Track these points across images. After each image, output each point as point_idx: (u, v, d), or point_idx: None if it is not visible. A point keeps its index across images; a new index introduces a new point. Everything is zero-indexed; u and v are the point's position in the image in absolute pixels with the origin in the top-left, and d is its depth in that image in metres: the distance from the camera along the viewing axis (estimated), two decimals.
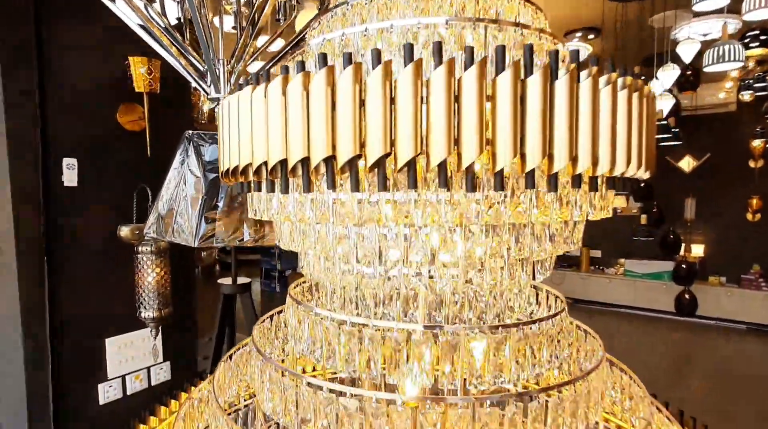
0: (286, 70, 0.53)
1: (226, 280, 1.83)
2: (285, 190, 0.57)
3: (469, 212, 0.61)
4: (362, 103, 0.49)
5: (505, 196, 0.59)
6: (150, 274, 2.06)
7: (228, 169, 0.65)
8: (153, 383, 2.26)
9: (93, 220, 2.04)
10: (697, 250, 6.52)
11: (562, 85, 0.51)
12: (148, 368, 2.25)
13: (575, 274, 7.65)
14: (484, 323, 0.70)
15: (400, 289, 0.71)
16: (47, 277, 1.90)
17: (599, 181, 0.59)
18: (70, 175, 1.92)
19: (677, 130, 4.23)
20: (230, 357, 0.97)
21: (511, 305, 0.76)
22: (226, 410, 0.84)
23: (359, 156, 0.50)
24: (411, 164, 0.50)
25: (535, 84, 0.50)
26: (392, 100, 0.49)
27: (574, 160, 0.53)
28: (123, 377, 2.16)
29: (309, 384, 0.66)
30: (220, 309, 1.73)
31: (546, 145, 0.51)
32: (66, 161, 1.92)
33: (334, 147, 0.50)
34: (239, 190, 0.71)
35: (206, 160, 1.53)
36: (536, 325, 0.71)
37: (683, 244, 5.96)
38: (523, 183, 0.53)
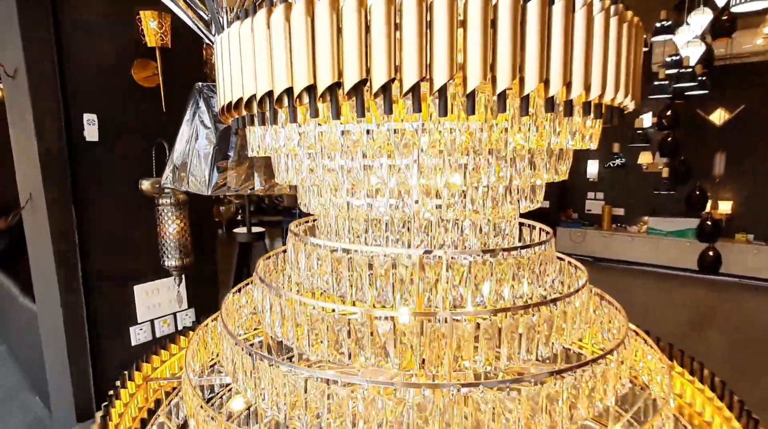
0: None
1: (242, 230, 1.91)
2: (293, 118, 0.58)
3: (448, 140, 0.64)
4: (367, 29, 0.50)
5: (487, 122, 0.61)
6: (171, 226, 2.16)
7: (230, 103, 0.68)
8: (179, 327, 2.42)
9: (115, 174, 2.13)
10: (725, 207, 6.33)
11: (534, 6, 0.51)
12: (175, 314, 2.40)
13: (597, 233, 7.57)
14: (470, 248, 0.73)
15: (392, 217, 0.74)
16: (76, 227, 2.02)
17: (576, 106, 0.60)
18: (91, 131, 1.99)
19: (704, 78, 4.01)
20: (239, 290, 1.05)
21: (499, 234, 0.79)
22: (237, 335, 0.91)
23: (365, 81, 0.51)
24: (387, 89, 0.52)
25: (506, 6, 0.51)
26: (367, 28, 0.51)
27: (545, 82, 0.54)
28: (152, 321, 2.32)
29: (302, 303, 0.72)
30: (236, 256, 1.82)
31: (516, 68, 0.52)
32: (86, 117, 1.99)
33: (340, 73, 0.51)
34: (238, 126, 0.74)
35: (216, 111, 1.57)
36: (523, 251, 0.74)
37: (710, 201, 5.80)
38: (498, 106, 0.55)
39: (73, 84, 1.96)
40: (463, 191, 0.70)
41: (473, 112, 0.54)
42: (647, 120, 6.58)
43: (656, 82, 4.47)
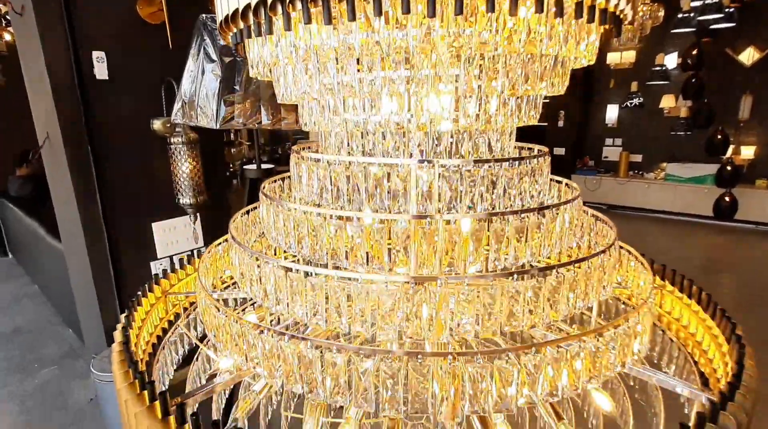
0: None
1: (251, 166, 1.95)
2: (288, 26, 0.60)
3: (440, 49, 0.65)
4: None
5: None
6: (184, 164, 2.21)
7: (228, 16, 0.69)
8: None
9: (127, 113, 2.16)
10: (747, 153, 6.14)
11: None
12: (192, 251, 2.50)
13: (612, 180, 7.46)
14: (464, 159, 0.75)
15: (387, 130, 0.77)
16: (93, 163, 2.08)
17: (567, 7, 0.60)
18: (100, 68, 2.01)
19: (732, 9, 3.74)
20: (247, 212, 1.10)
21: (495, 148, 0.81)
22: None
23: None
24: None
25: None
26: None
27: None
28: (171, 257, 2.43)
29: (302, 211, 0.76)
30: (247, 192, 1.87)
31: None
32: (95, 54, 2.00)
33: None
34: (237, 41, 0.76)
35: (221, 43, 1.56)
36: (515, 163, 0.76)
37: (732, 146, 5.63)
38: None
39: (80, 21, 1.96)
40: (456, 103, 0.71)
41: (461, 12, 0.55)
42: (671, 60, 6.28)
43: (680, 15, 4.20)
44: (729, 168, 5.16)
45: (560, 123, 7.78)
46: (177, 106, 1.73)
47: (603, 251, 0.77)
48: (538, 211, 0.74)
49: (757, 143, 6.21)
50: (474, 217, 0.70)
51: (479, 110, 0.73)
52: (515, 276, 0.65)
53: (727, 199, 5.05)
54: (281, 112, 1.65)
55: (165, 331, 1.08)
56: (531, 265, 0.73)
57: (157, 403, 0.63)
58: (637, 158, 7.48)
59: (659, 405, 0.95)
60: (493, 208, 0.76)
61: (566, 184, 0.97)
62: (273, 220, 0.86)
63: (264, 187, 0.97)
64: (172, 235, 2.41)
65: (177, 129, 2.23)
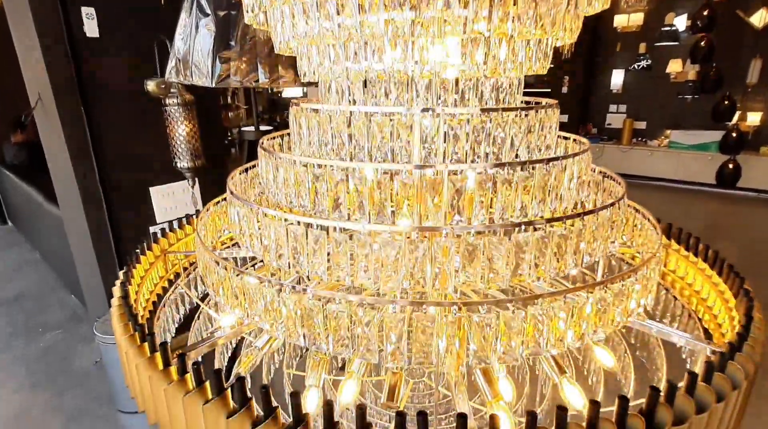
0: None
1: (249, 128, 1.91)
2: None
3: None
4: None
5: None
6: (180, 127, 2.17)
7: None
8: None
9: (120, 73, 2.10)
10: (753, 119, 6.04)
11: None
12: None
13: (615, 148, 7.38)
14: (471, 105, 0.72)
15: (390, 77, 0.73)
16: (87, 125, 2.04)
17: None
18: (90, 26, 1.93)
19: None
20: (246, 170, 1.07)
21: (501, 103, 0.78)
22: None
23: None
24: None
25: None
26: None
27: None
28: (170, 222, 2.41)
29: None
30: (246, 155, 1.84)
31: None
32: (84, 11, 1.92)
33: None
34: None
35: None
36: (523, 113, 0.73)
37: (738, 112, 5.54)
38: None
39: None
40: (463, 48, 0.67)
41: None
42: (681, 22, 6.09)
43: None
44: (734, 134, 5.08)
45: (564, 89, 7.63)
46: (171, 64, 1.67)
47: (612, 204, 0.75)
48: (546, 163, 0.72)
49: (764, 109, 6.10)
50: (479, 168, 0.68)
51: (487, 57, 0.69)
52: (522, 227, 0.63)
53: (730, 166, 5.01)
54: (278, 71, 1.60)
55: (165, 290, 1.07)
56: (540, 217, 0.71)
57: (158, 354, 0.62)
58: (641, 125, 7.38)
59: (661, 360, 0.96)
60: (499, 160, 0.74)
61: (574, 140, 0.94)
62: (273, 176, 0.83)
63: (263, 143, 0.94)
64: (171, 200, 2.39)
65: (172, 90, 2.17)
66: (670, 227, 1.07)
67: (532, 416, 0.47)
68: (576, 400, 0.77)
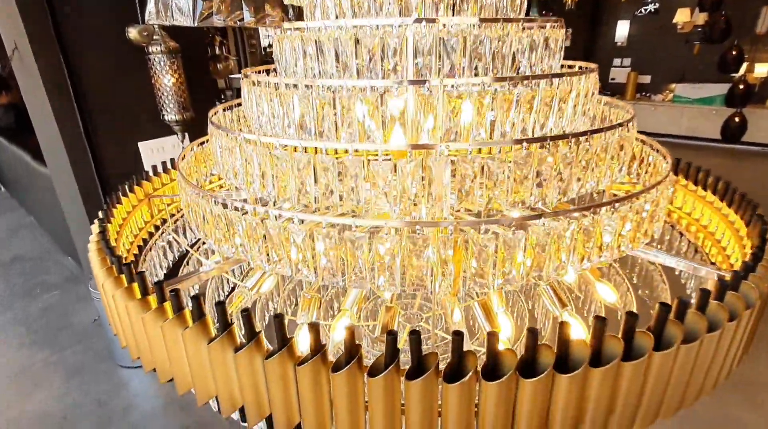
0: None
1: (239, 76, 1.82)
2: None
3: None
4: None
5: None
6: (166, 77, 2.07)
7: None
8: None
9: (99, 21, 1.99)
10: (761, 70, 5.86)
11: None
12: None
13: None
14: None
15: None
16: (68, 77, 1.95)
17: None
18: None
19: None
20: (230, 108, 1.01)
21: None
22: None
23: None
24: None
25: None
26: None
27: None
28: (154, 167, 2.35)
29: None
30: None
31: None
32: None
33: None
34: None
35: None
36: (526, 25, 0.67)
37: (746, 64, 5.36)
38: None
39: None
40: None
41: None
42: None
43: None
44: (741, 86, 4.94)
45: (567, 42, 7.38)
46: (150, 5, 1.57)
47: (621, 125, 0.70)
48: (549, 79, 0.66)
49: None
50: (478, 83, 0.62)
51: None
52: (524, 143, 0.58)
53: (736, 119, 4.89)
54: (265, 9, 1.50)
55: (151, 235, 1.03)
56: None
57: (136, 284, 0.58)
58: (646, 79, 7.19)
59: (666, 297, 0.93)
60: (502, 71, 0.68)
61: (580, 67, 0.87)
62: (256, 105, 0.78)
63: (245, 72, 0.87)
64: (161, 156, 2.32)
65: (155, 37, 2.06)
66: (678, 163, 1.02)
67: (533, 333, 0.44)
68: (578, 332, 0.74)
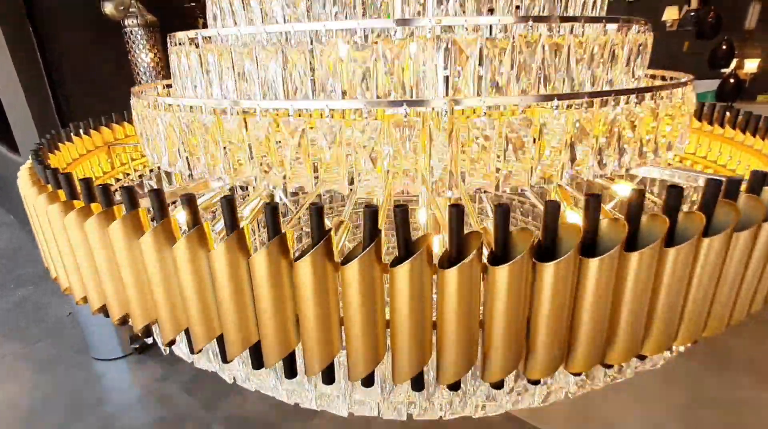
0: None
1: None
2: None
3: None
4: None
5: None
6: (144, 53, 1.97)
7: None
8: None
9: None
10: (751, 66, 5.86)
11: None
12: None
13: None
14: None
15: None
16: (41, 57, 1.84)
17: None
18: None
19: None
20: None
21: None
22: None
23: None
24: None
25: None
26: None
27: None
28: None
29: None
30: None
31: None
32: None
33: None
34: None
35: None
36: None
37: (735, 59, 5.38)
38: None
39: None
40: None
41: None
42: None
43: None
44: (732, 81, 4.94)
45: None
46: None
47: (680, 84, 0.61)
48: (582, 23, 0.54)
49: (761, 56, 5.92)
50: (492, 22, 0.51)
51: None
52: (555, 101, 0.49)
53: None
54: None
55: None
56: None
57: (61, 190, 0.48)
58: None
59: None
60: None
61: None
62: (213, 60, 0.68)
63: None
64: None
65: (131, 10, 1.97)
66: (702, 106, 0.93)
67: (502, 209, 0.35)
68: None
